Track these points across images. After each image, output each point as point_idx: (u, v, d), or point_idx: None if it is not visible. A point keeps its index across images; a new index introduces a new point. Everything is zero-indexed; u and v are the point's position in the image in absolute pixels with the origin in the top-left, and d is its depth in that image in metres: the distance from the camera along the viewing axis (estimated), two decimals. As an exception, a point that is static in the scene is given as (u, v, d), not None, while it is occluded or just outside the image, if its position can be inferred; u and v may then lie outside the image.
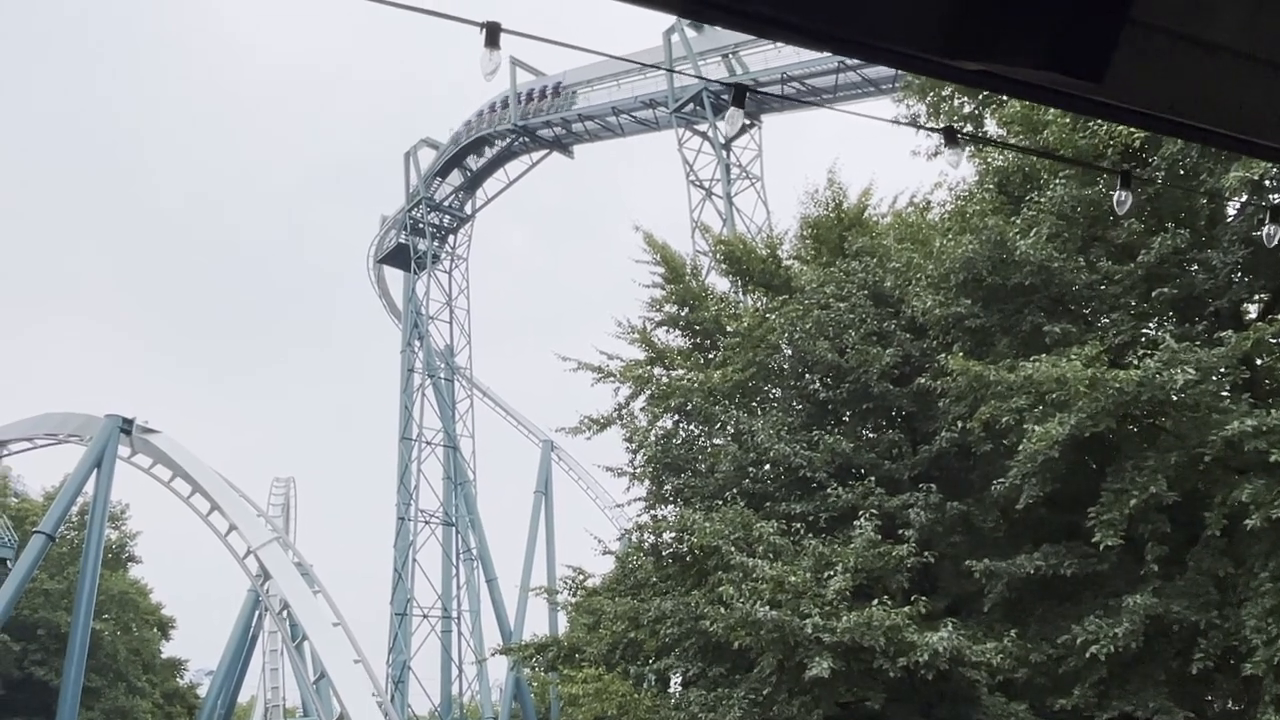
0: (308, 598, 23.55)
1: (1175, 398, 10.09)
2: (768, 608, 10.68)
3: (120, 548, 45.47)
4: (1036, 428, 10.40)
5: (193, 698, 47.85)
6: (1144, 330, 11.78)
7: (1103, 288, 11.84)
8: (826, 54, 26.17)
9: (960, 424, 12.12)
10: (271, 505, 49.91)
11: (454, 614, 44.75)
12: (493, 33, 2.73)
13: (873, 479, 12.63)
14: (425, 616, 43.95)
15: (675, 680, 15.54)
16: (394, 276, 53.88)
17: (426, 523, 45.25)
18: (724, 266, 17.75)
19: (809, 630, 10.40)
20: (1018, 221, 11.96)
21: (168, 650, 47.31)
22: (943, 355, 12.16)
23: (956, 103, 13.65)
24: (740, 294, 18.71)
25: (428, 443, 46.44)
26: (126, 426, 28.70)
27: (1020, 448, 10.66)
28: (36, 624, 38.08)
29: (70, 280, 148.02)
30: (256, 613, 44.43)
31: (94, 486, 28.74)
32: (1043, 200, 11.81)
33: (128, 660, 41.19)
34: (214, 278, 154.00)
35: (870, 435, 14.03)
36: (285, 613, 24.22)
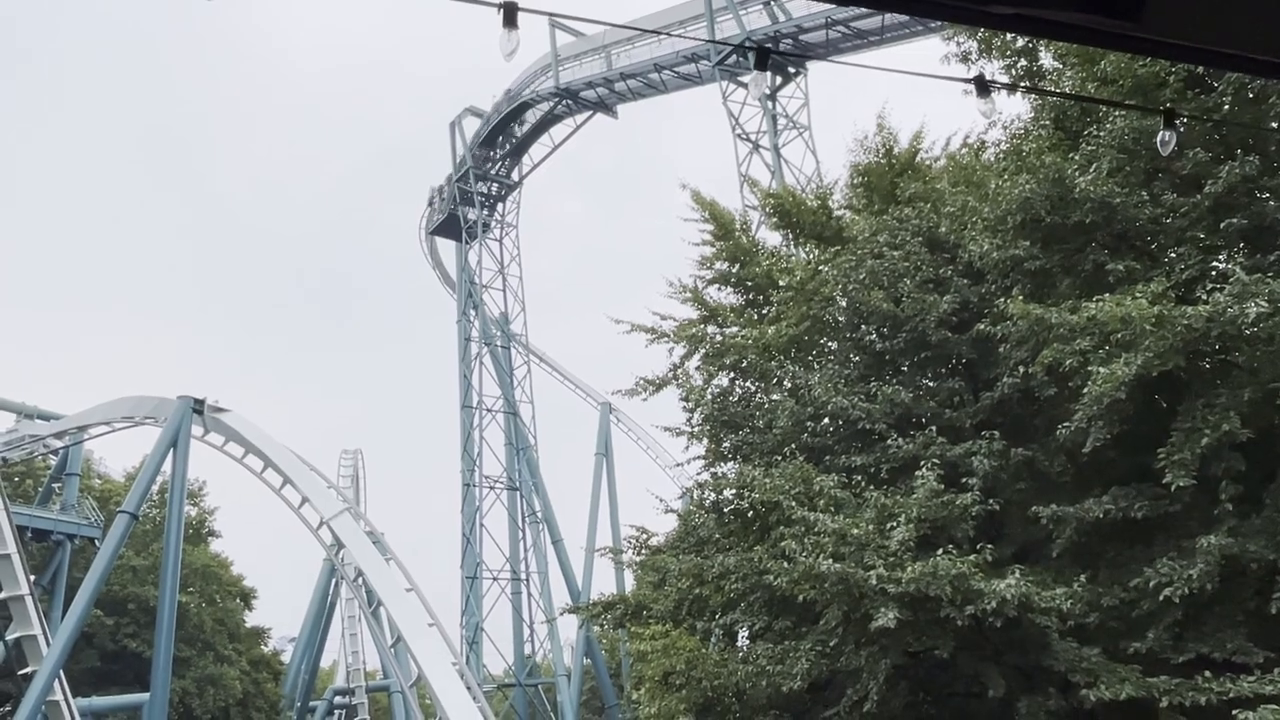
0: (380, 565, 24.23)
1: (1247, 332, 9.76)
2: (831, 560, 10.68)
3: (200, 523, 47.20)
4: (1102, 369, 10.15)
5: (277, 664, 49.74)
6: (1213, 264, 11.37)
7: (1168, 221, 11.46)
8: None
9: (1022, 369, 11.90)
10: (341, 477, 51.23)
11: (523, 576, 45.68)
12: (510, 13, 2.72)
13: (934, 428, 12.48)
14: (495, 579, 44.96)
15: (742, 634, 15.70)
16: (446, 248, 54.40)
17: (491, 488, 46.10)
18: (774, 220, 17.57)
19: (873, 582, 10.39)
20: (1076, 158, 11.59)
21: (251, 620, 49.16)
22: (1002, 299, 11.92)
23: (1009, 36, 13.21)
24: (791, 247, 18.52)
25: (488, 410, 47.16)
26: (198, 407, 29.62)
27: (1085, 390, 10.41)
28: (126, 599, 39.88)
29: (136, 271, 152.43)
30: (333, 581, 45.95)
31: (171, 466, 29.75)
32: (1102, 134, 11.42)
33: (214, 630, 42.91)
34: (272, 263, 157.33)
35: (930, 384, 13.85)
36: (360, 580, 24.94)
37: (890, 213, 14.62)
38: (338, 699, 47.35)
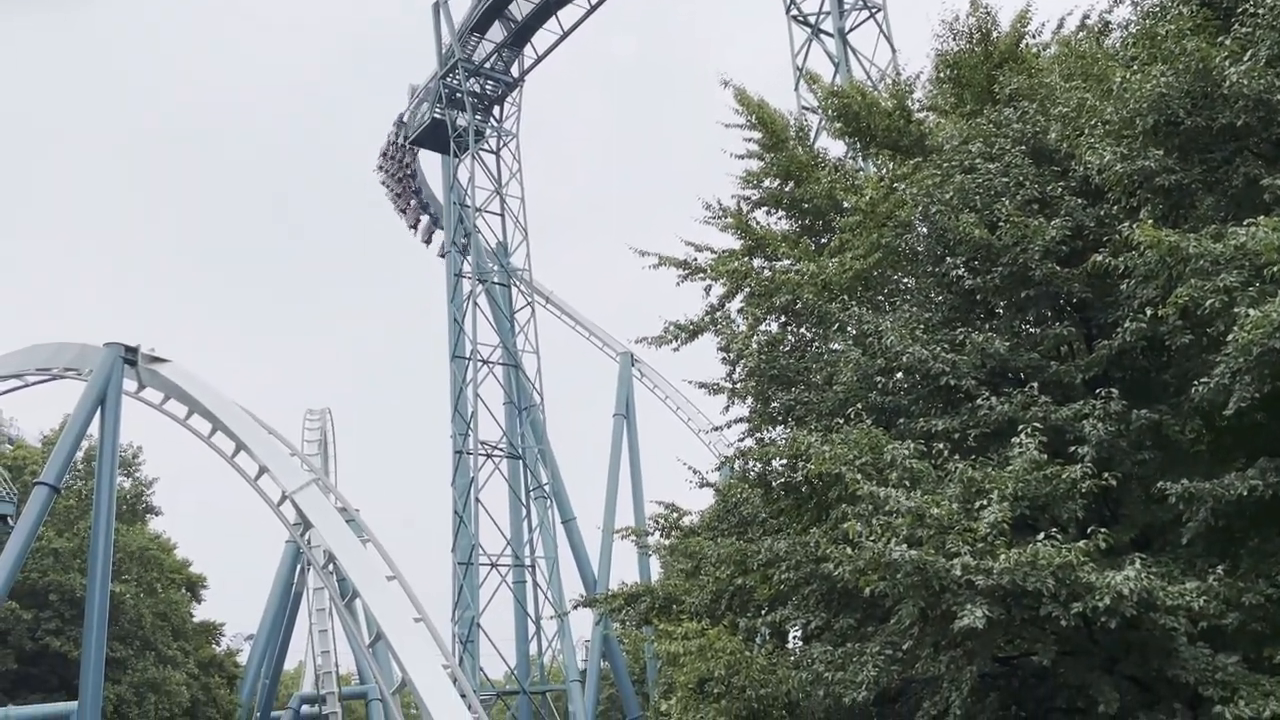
0: (356, 548, 24.50)
1: None
2: (905, 546, 10.71)
3: (136, 497, 48.08)
4: (1252, 311, 10.04)
5: (232, 666, 50.94)
6: (1398, 177, 11.18)
7: (1342, 124, 11.27)
8: None
9: (1149, 311, 11.80)
10: (306, 442, 51.95)
11: (527, 561, 46.25)
12: None
13: (1035, 385, 12.45)
14: (494, 565, 45.52)
15: (794, 634, 15.89)
16: (431, 163, 54.35)
17: (488, 456, 46.46)
18: (838, 125, 17.40)
19: (958, 572, 10.42)
20: (1227, 42, 11.37)
21: (200, 613, 50.26)
22: (1126, 224, 11.80)
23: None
24: (860, 160, 18.38)
25: (484, 361, 47.36)
26: (130, 356, 29.80)
27: (1230, 338, 10.32)
28: (47, 588, 40.76)
29: (53, 196, 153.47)
30: (298, 567, 46.77)
31: (99, 428, 30.10)
32: (1261, 11, 11.18)
33: (155, 626, 43.88)
34: (217, 186, 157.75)
35: (1031, 330, 13.80)
36: (331, 566, 25.28)
37: (986, 115, 14.48)
38: (305, 708, 48.49)
